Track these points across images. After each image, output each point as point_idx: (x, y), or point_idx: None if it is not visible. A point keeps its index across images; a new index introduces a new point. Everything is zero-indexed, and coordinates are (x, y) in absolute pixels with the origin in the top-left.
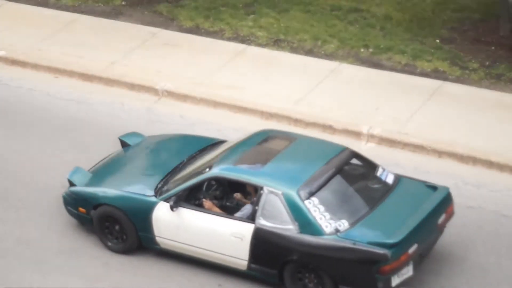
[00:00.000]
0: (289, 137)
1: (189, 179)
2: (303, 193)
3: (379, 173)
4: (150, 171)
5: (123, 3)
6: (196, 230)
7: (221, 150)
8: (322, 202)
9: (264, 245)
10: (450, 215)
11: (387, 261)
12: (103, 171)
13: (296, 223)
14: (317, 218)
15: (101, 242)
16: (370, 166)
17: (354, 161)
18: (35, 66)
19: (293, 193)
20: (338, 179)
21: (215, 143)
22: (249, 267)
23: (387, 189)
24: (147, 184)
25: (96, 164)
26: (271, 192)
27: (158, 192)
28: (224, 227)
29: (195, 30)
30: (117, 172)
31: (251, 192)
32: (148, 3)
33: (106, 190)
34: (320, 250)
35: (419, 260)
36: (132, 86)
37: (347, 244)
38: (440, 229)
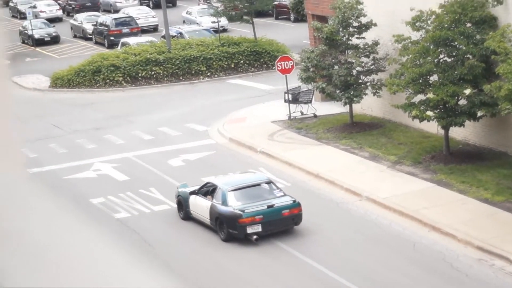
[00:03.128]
0: (252, 172)
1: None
2: (229, 190)
3: (275, 191)
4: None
5: None
6: (198, 205)
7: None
8: (235, 195)
9: (212, 211)
10: (294, 213)
11: (241, 217)
12: (192, 186)
13: (221, 201)
14: (229, 200)
15: (178, 212)
16: (274, 188)
17: (272, 185)
18: None
19: (225, 189)
20: (251, 188)
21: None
22: (210, 222)
23: (273, 197)
24: (193, 189)
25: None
26: (220, 188)
27: (193, 191)
28: (205, 203)
29: None
30: (194, 187)
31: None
32: None
33: (181, 190)
34: (224, 212)
35: (269, 228)
36: None
37: (231, 210)
38: (286, 217)
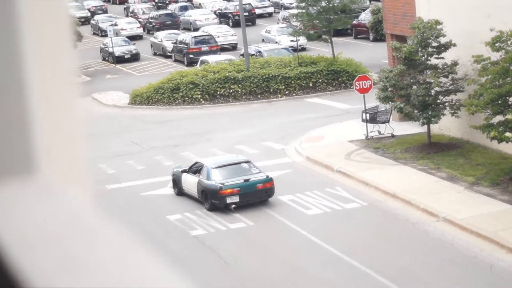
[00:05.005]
0: (235, 154)
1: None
2: (213, 167)
3: (252, 169)
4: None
5: None
6: (188, 182)
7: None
8: (219, 171)
9: (199, 186)
10: (267, 187)
11: (221, 189)
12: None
13: (206, 177)
14: (212, 175)
15: (173, 189)
16: (252, 166)
17: (251, 164)
18: None
19: (209, 167)
20: (232, 166)
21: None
22: (198, 196)
23: (250, 174)
24: (184, 168)
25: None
26: (205, 166)
27: (185, 170)
28: (193, 180)
29: None
30: (185, 167)
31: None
32: None
33: (175, 170)
34: (208, 186)
35: (246, 199)
36: None
37: (214, 183)
38: (260, 190)
